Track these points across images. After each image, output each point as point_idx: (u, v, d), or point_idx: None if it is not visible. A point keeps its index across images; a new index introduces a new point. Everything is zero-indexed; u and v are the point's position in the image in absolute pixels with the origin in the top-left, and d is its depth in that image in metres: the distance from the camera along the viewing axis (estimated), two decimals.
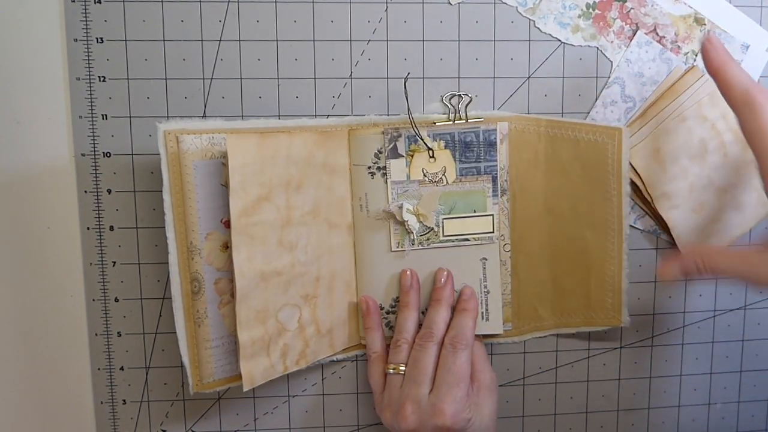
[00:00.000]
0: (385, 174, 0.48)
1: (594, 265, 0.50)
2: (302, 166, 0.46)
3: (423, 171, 0.48)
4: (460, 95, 0.49)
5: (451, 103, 0.49)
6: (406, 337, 0.48)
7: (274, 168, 0.44)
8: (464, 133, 0.48)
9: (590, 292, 0.51)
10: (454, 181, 0.49)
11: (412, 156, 0.48)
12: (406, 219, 0.48)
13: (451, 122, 0.48)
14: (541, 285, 0.52)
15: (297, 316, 0.47)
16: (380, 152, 0.48)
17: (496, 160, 0.49)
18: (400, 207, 0.48)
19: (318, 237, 0.47)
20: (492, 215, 0.49)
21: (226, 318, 0.46)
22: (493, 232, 0.49)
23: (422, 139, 0.48)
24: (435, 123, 0.48)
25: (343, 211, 0.49)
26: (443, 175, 0.49)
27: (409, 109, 0.47)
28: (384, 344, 0.50)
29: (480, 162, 0.49)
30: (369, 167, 0.48)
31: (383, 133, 0.48)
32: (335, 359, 0.51)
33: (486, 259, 0.50)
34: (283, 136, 0.45)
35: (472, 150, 0.48)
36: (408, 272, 0.49)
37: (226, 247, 0.45)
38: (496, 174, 0.49)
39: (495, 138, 0.48)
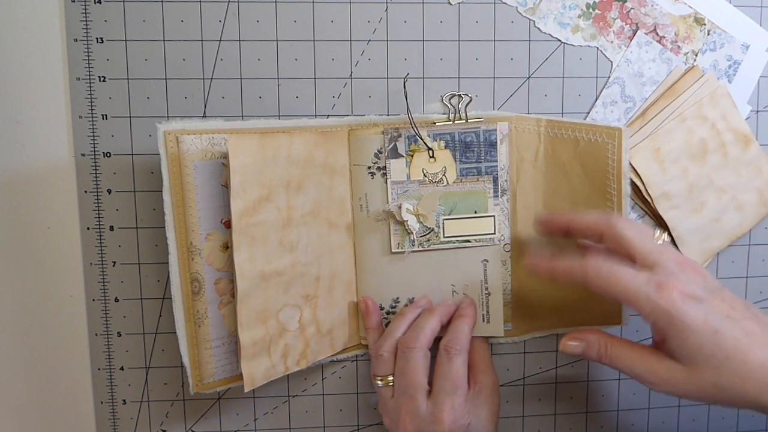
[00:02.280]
0: (385, 174, 0.48)
1: None
2: (302, 166, 0.46)
3: (423, 171, 0.48)
4: (460, 95, 0.49)
5: (451, 103, 0.49)
6: (386, 348, 0.47)
7: (274, 168, 0.44)
8: (464, 133, 0.48)
9: (590, 292, 0.50)
10: (454, 182, 0.49)
11: (412, 156, 0.48)
12: (405, 219, 0.48)
13: (451, 122, 0.48)
14: (541, 285, 0.51)
15: (298, 316, 0.47)
16: (380, 152, 0.48)
17: (496, 161, 0.49)
18: (400, 207, 0.48)
19: (318, 237, 0.47)
20: (493, 216, 0.49)
21: (226, 318, 0.46)
22: (494, 233, 0.49)
23: (422, 139, 0.48)
24: (435, 123, 0.48)
25: (343, 211, 0.49)
26: (443, 175, 0.48)
27: (408, 109, 0.47)
28: None
29: (480, 162, 0.49)
30: (369, 167, 0.48)
31: (383, 133, 0.48)
32: (335, 359, 0.51)
33: (487, 261, 0.50)
34: (284, 137, 0.45)
35: (472, 150, 0.48)
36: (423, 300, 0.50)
37: (226, 247, 0.45)
38: (497, 174, 0.49)
39: (495, 138, 0.48)
